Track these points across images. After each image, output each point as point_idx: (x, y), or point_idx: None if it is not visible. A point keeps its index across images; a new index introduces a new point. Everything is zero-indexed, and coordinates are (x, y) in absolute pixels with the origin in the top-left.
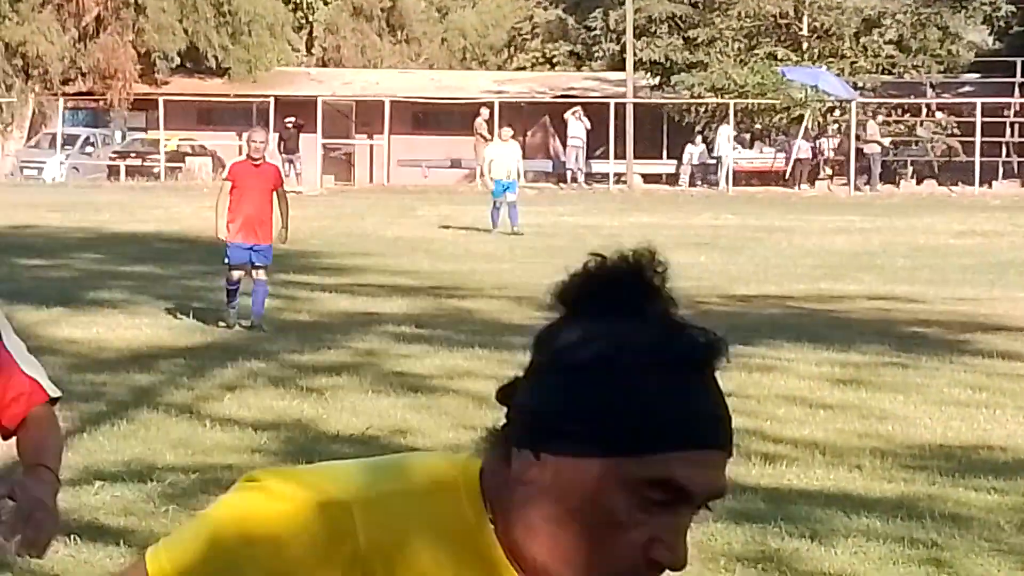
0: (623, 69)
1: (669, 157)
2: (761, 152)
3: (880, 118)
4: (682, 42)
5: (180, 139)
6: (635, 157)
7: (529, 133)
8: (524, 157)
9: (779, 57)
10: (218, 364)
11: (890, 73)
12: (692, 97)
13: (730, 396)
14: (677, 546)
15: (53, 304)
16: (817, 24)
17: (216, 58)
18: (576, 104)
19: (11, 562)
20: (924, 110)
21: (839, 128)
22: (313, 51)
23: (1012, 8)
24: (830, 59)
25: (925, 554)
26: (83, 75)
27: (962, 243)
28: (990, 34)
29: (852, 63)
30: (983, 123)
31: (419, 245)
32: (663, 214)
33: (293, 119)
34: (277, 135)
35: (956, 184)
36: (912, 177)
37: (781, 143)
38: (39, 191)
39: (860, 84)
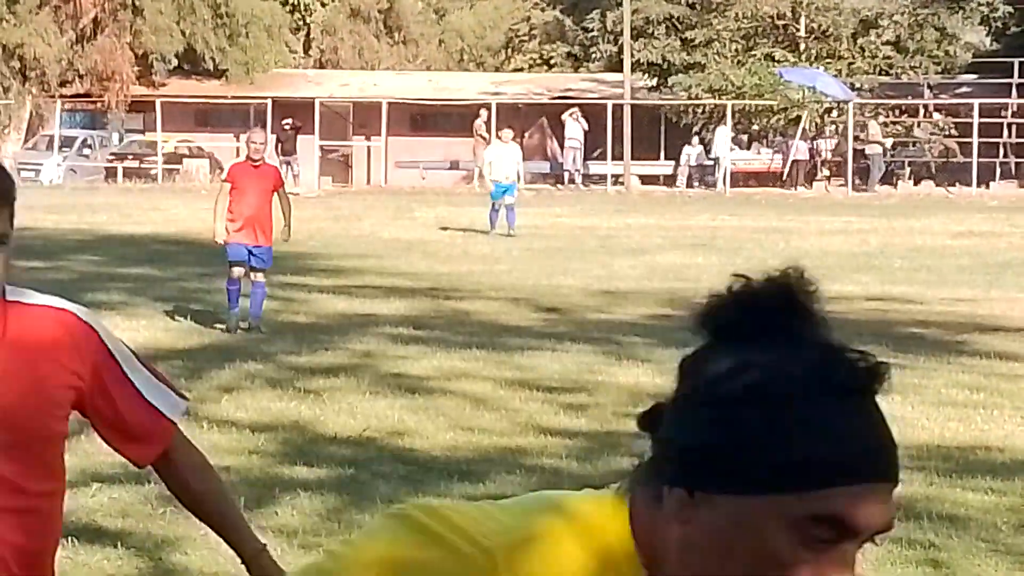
0: (620, 70)
1: (667, 158)
2: (759, 153)
3: (879, 119)
4: (679, 43)
5: (178, 141)
6: (632, 158)
7: (526, 134)
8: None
9: (776, 58)
10: (215, 366)
11: (887, 74)
12: (690, 98)
13: None
14: None
15: None
16: (814, 25)
17: (213, 60)
18: (573, 105)
19: None
20: (921, 111)
21: (836, 129)
22: (310, 53)
23: (1009, 9)
24: (827, 60)
25: (923, 555)
26: (80, 77)
27: (959, 244)
28: (987, 35)
29: (849, 64)
30: (980, 124)
31: (416, 246)
32: (660, 215)
33: (290, 120)
34: (274, 136)
35: (953, 185)
36: (910, 178)
37: (779, 144)
38: (36, 193)
39: (857, 85)
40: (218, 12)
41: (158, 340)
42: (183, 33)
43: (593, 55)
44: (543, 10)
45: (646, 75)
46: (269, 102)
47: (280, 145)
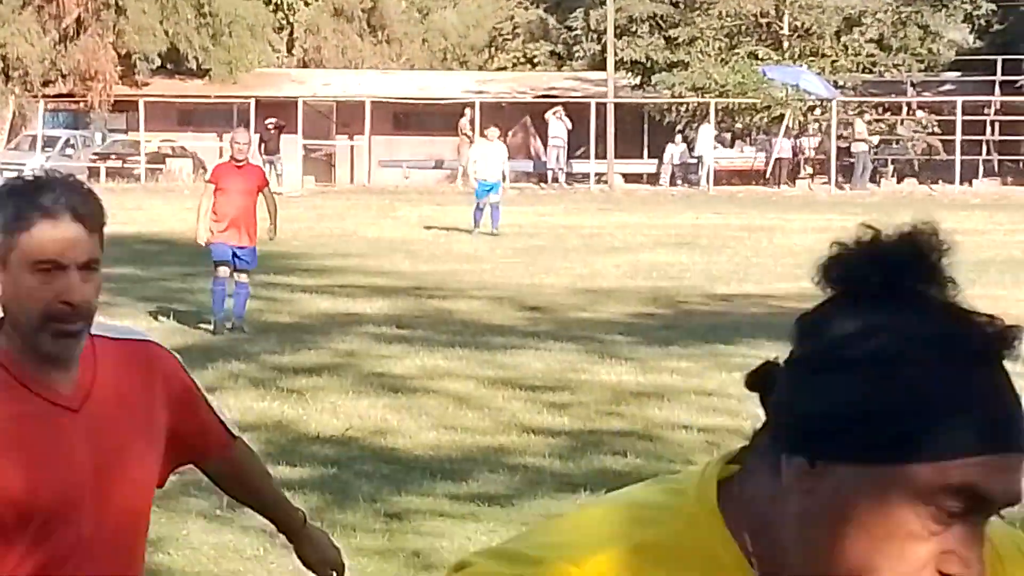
0: (604, 69)
1: (650, 157)
2: (742, 151)
3: (864, 117)
4: (663, 42)
5: (161, 140)
6: (616, 157)
7: (510, 133)
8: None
9: (760, 56)
10: (198, 366)
11: (871, 72)
12: (673, 97)
13: (711, 395)
14: (972, 559)
15: None
16: (798, 23)
17: (197, 59)
18: (557, 104)
19: None
20: (905, 109)
21: (820, 127)
22: (294, 52)
23: (992, 7)
24: (811, 58)
25: None
26: (63, 77)
27: None
28: (971, 32)
29: (833, 62)
30: (964, 121)
31: (400, 246)
32: (644, 213)
33: (274, 120)
34: (258, 136)
35: (936, 182)
36: (893, 175)
37: (762, 142)
38: None
39: (841, 83)
40: (201, 11)
41: None
42: (166, 33)
43: (576, 54)
44: (526, 9)
45: (629, 73)
46: (252, 101)
47: (263, 145)
